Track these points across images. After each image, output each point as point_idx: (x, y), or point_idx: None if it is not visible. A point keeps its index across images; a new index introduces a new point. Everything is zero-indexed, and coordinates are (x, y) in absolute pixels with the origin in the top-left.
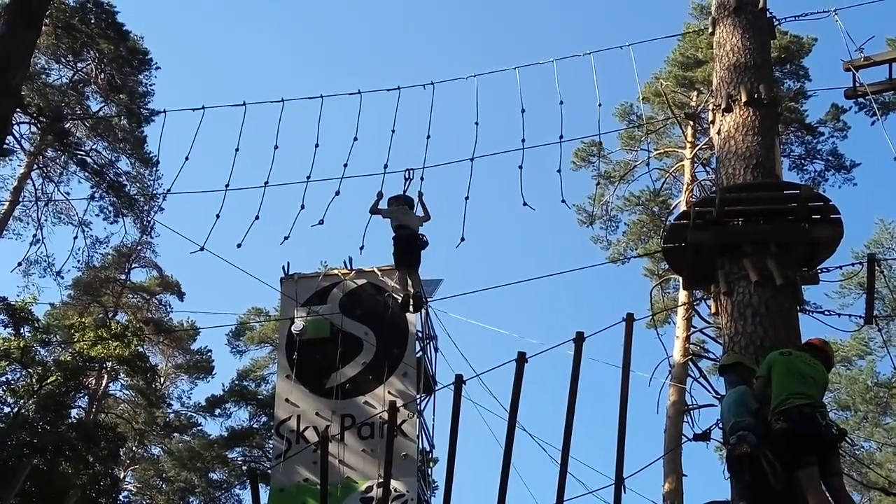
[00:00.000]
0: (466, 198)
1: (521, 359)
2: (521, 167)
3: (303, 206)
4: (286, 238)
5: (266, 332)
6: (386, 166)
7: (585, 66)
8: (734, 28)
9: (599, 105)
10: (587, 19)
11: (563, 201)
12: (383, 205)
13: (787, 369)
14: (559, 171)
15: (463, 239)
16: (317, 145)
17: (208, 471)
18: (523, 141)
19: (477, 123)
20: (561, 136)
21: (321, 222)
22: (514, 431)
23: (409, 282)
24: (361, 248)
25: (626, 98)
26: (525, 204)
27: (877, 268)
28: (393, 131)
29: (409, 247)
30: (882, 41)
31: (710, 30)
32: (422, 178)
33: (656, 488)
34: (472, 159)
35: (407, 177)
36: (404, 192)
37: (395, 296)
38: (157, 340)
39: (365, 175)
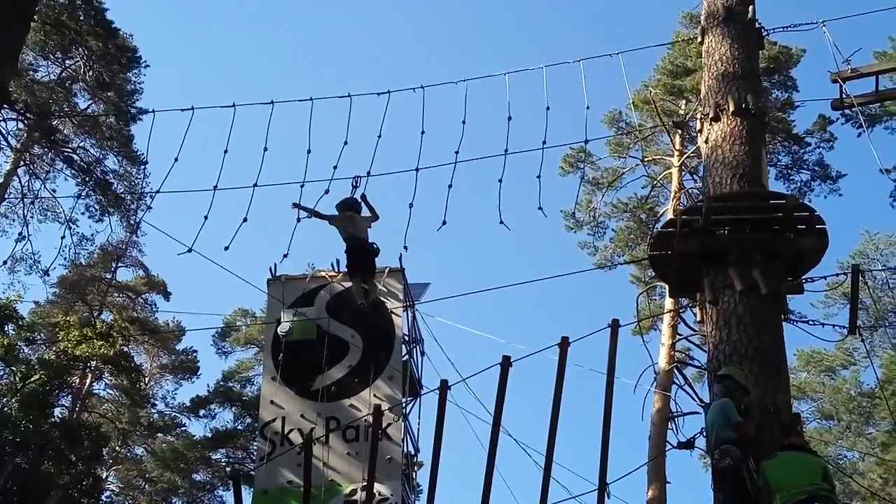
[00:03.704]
0: (450, 185)
1: (506, 363)
2: (500, 180)
3: (304, 208)
4: (285, 256)
5: (252, 334)
6: (369, 173)
7: (575, 73)
8: (723, 38)
9: (588, 108)
10: (577, 27)
11: (540, 209)
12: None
13: (779, 465)
14: (539, 177)
15: (445, 223)
16: (308, 151)
17: (192, 472)
18: (506, 151)
19: (464, 122)
20: (544, 142)
21: (309, 212)
22: (499, 435)
23: (366, 289)
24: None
25: (615, 105)
26: (501, 222)
27: (861, 278)
28: (379, 137)
29: (360, 259)
30: (869, 53)
31: (699, 39)
32: (355, 183)
33: (640, 495)
34: (454, 163)
35: (354, 184)
36: (352, 195)
37: (383, 299)
38: (143, 340)
39: (353, 177)
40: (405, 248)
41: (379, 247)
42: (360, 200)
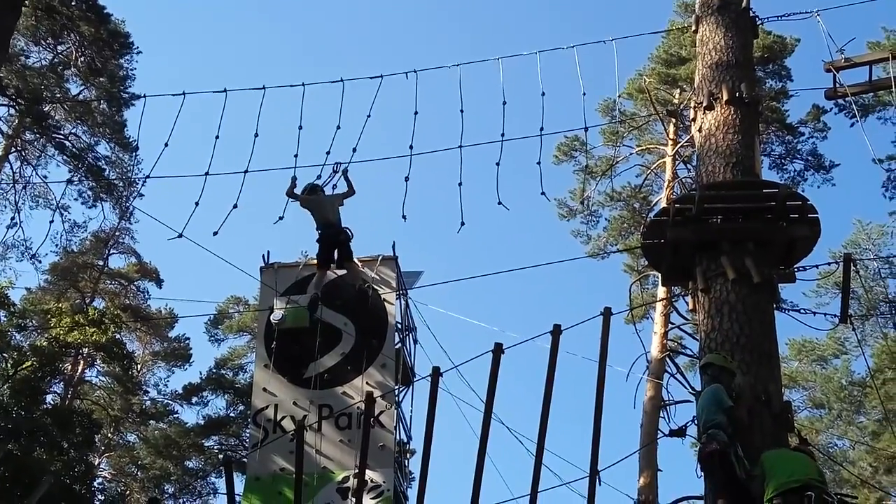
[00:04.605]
0: (460, 183)
1: (498, 350)
2: (498, 164)
3: (295, 178)
4: (280, 218)
5: (245, 321)
6: (354, 149)
7: (568, 60)
8: (717, 26)
9: (584, 94)
10: (572, 14)
11: (543, 193)
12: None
13: (776, 456)
14: (539, 163)
15: (463, 223)
16: (300, 127)
17: (184, 459)
18: (503, 135)
19: (462, 111)
20: (541, 129)
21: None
22: (490, 423)
23: (323, 281)
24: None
25: (609, 94)
26: (500, 203)
27: (853, 268)
28: (368, 116)
29: (331, 246)
30: (863, 43)
31: (693, 28)
32: (336, 169)
33: (632, 482)
34: (460, 147)
35: (335, 170)
36: (324, 183)
37: (376, 287)
38: (135, 327)
39: (349, 162)
40: (403, 217)
41: (352, 232)
42: (320, 186)
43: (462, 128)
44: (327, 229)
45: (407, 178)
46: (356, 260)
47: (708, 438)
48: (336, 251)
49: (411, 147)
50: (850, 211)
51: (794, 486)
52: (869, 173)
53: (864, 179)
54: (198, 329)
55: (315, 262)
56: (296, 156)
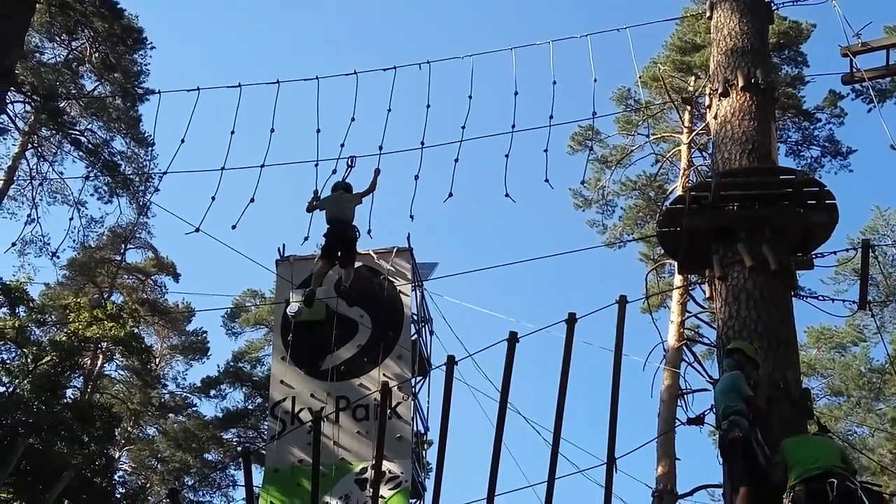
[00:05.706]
0: (456, 160)
1: (513, 338)
2: (507, 156)
3: (317, 192)
4: (306, 238)
5: (261, 314)
6: (380, 147)
7: (583, 49)
8: (732, 12)
9: (595, 80)
10: (586, 2)
11: (547, 181)
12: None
13: (798, 443)
14: (546, 150)
15: (451, 194)
16: (318, 131)
17: (203, 451)
18: (513, 126)
19: (470, 97)
20: (551, 117)
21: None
22: (506, 412)
23: (326, 275)
24: (369, 231)
25: (623, 82)
26: (507, 195)
27: (871, 254)
28: (389, 110)
29: (337, 243)
30: (880, 27)
31: (707, 14)
32: (351, 163)
33: (649, 471)
34: (461, 141)
35: (349, 164)
36: (344, 178)
37: (391, 279)
38: (153, 321)
39: (363, 155)
40: (411, 217)
41: (359, 232)
42: (350, 185)
43: (468, 113)
44: (337, 226)
45: (417, 177)
46: (371, 252)
47: (730, 425)
48: (340, 250)
49: (423, 143)
50: (867, 197)
51: (816, 472)
52: (887, 159)
53: (882, 165)
54: (215, 322)
55: None
56: (316, 164)
